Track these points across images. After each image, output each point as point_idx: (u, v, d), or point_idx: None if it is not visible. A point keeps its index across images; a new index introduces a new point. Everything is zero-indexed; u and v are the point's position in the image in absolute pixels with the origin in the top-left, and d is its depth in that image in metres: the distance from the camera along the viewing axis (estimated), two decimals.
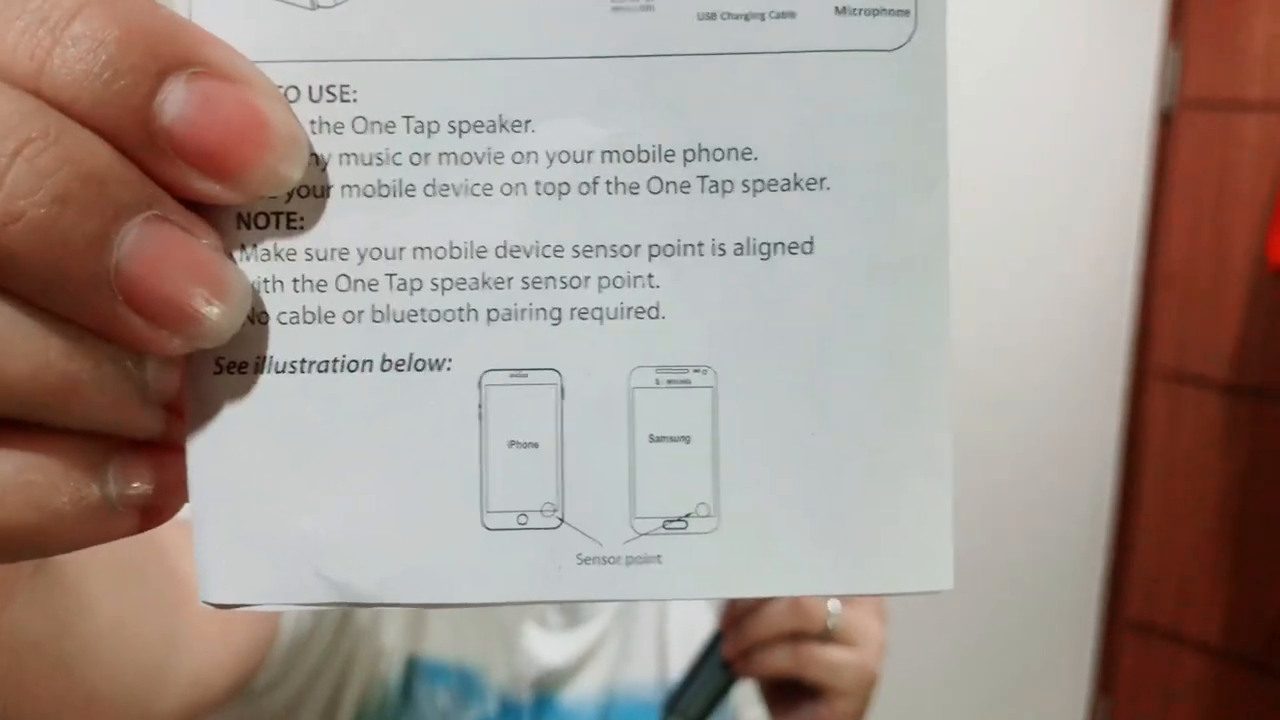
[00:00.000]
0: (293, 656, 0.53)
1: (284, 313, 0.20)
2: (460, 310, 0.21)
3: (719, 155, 0.21)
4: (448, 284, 0.21)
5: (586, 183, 0.21)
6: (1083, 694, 1.95)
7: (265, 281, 0.20)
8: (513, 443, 0.21)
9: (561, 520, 0.21)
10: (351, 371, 0.21)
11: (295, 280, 0.20)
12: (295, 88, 0.20)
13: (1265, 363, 1.73)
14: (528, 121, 0.21)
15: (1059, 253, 1.71)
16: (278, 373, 0.20)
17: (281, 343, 0.20)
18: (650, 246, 0.21)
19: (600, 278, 0.21)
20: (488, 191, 0.21)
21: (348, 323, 0.21)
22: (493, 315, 0.21)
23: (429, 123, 0.21)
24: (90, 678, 0.34)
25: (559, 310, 0.21)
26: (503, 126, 0.21)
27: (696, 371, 0.21)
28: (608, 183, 0.21)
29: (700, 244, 0.21)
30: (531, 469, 0.21)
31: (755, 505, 0.21)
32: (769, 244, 0.21)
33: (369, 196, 0.21)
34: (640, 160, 0.21)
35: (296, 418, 0.21)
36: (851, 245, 0.21)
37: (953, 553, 0.22)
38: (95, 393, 0.18)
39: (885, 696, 0.57)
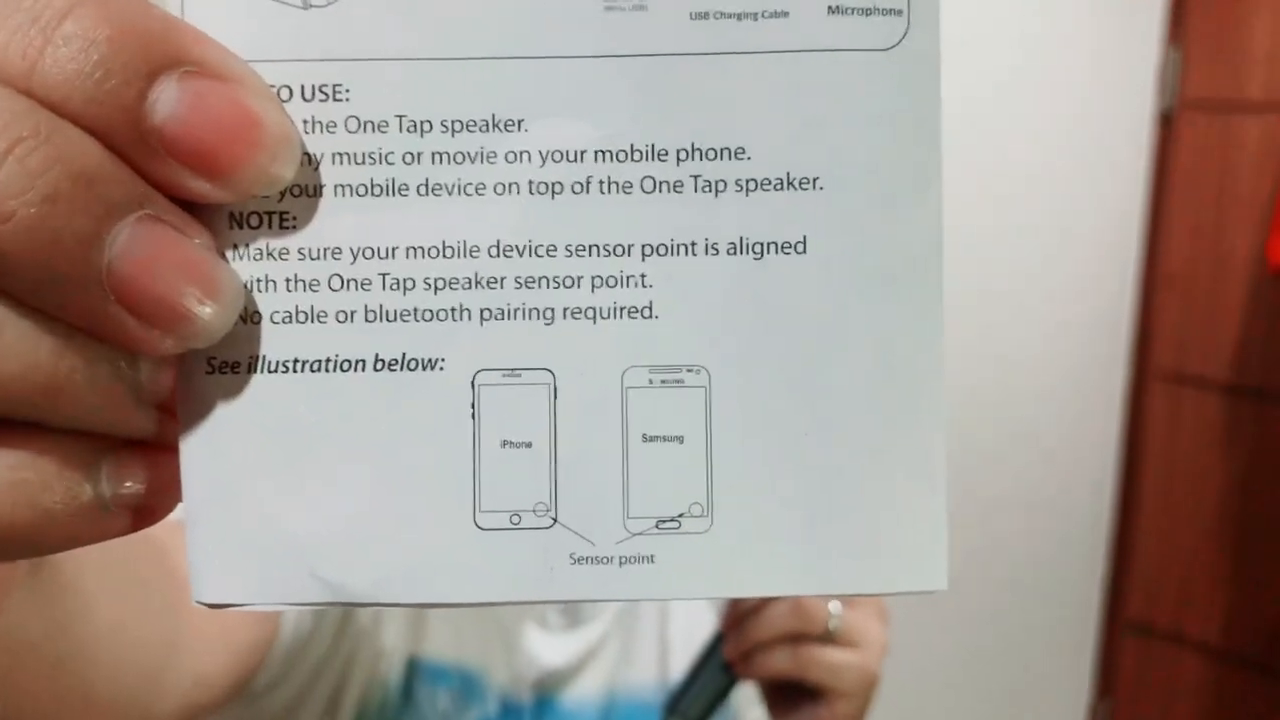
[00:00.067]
0: (293, 657, 0.53)
1: (277, 312, 0.20)
2: (453, 310, 0.21)
3: (712, 155, 0.21)
4: (441, 284, 0.21)
5: (579, 182, 0.21)
6: (1083, 695, 1.94)
7: (258, 281, 0.20)
8: (506, 442, 0.21)
9: (554, 520, 0.21)
10: (344, 371, 0.21)
11: (288, 280, 0.20)
12: (288, 87, 0.20)
13: (1266, 364, 1.73)
14: (520, 121, 0.21)
15: (1059, 253, 1.71)
16: (271, 372, 0.20)
17: (274, 342, 0.20)
18: (643, 246, 0.21)
19: (593, 277, 0.21)
20: (480, 191, 0.21)
21: (340, 322, 0.21)
22: (486, 315, 0.21)
23: (422, 122, 0.21)
24: (89, 678, 0.34)
25: (552, 310, 0.21)
26: (495, 126, 0.21)
27: (690, 371, 0.21)
28: (601, 182, 0.21)
29: (693, 244, 0.21)
30: (524, 469, 0.21)
31: (748, 505, 0.21)
32: (762, 244, 0.21)
33: (362, 196, 0.21)
34: (633, 160, 0.21)
35: (289, 417, 0.21)
36: (845, 245, 0.21)
37: (947, 552, 0.22)
38: (87, 392, 0.18)
39: (886, 698, 0.57)
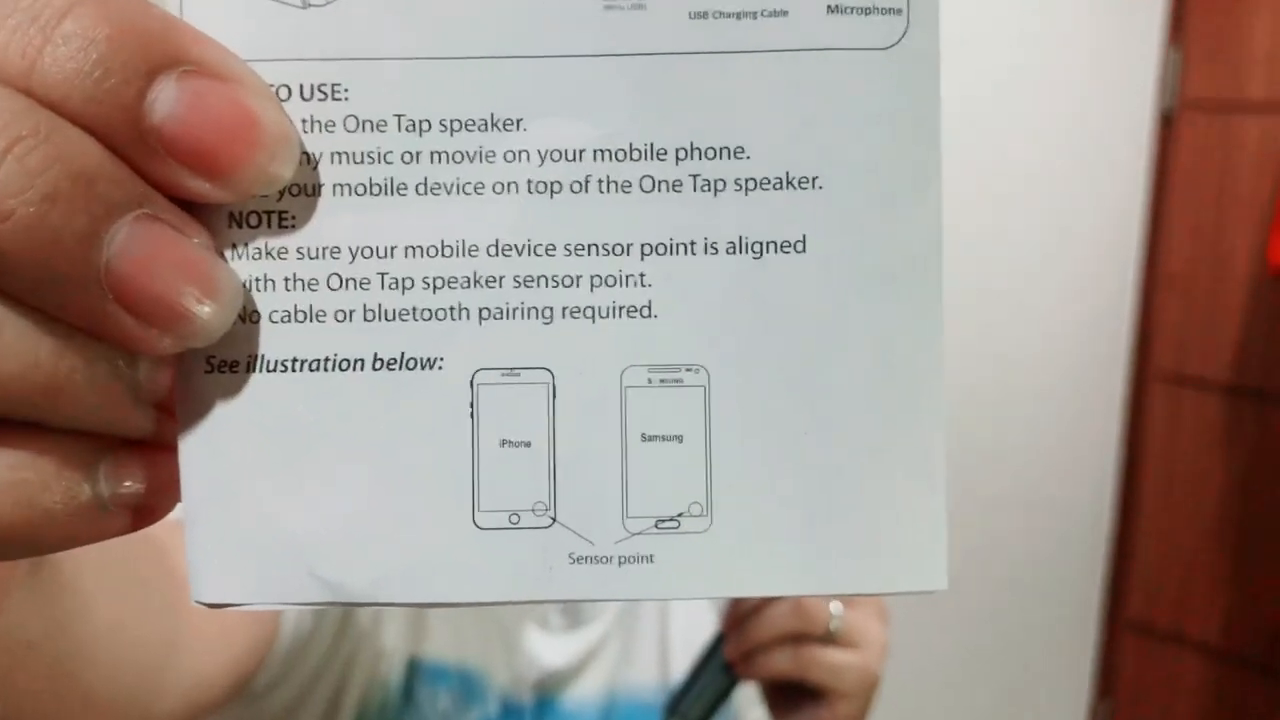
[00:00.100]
0: (293, 658, 0.53)
1: (275, 311, 0.20)
2: (452, 309, 0.21)
3: (711, 154, 0.21)
4: (439, 283, 0.21)
5: (578, 181, 0.21)
6: (1084, 696, 1.94)
7: (257, 280, 0.20)
8: (505, 442, 0.21)
9: (553, 520, 0.21)
10: (343, 370, 0.21)
11: (287, 279, 0.20)
12: (286, 86, 0.20)
13: (1266, 365, 1.73)
14: (519, 120, 0.21)
15: (1059, 253, 1.71)
16: (269, 372, 0.20)
17: (273, 342, 0.20)
18: (642, 245, 0.21)
19: (592, 276, 0.21)
20: (479, 190, 0.21)
21: (339, 322, 0.21)
22: (485, 314, 0.21)
23: (420, 121, 0.21)
24: (88, 678, 0.34)
25: (551, 309, 0.21)
26: (494, 125, 0.21)
27: (689, 371, 0.21)
28: (599, 181, 0.21)
29: (692, 243, 0.21)
30: (523, 468, 0.21)
31: (748, 505, 0.21)
32: (761, 243, 0.21)
33: (360, 195, 0.20)
34: (632, 159, 0.21)
35: (288, 417, 0.21)
36: (844, 244, 0.21)
37: (946, 552, 0.22)
38: (86, 392, 0.18)
39: (886, 698, 0.57)
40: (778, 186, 0.21)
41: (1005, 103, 1.57)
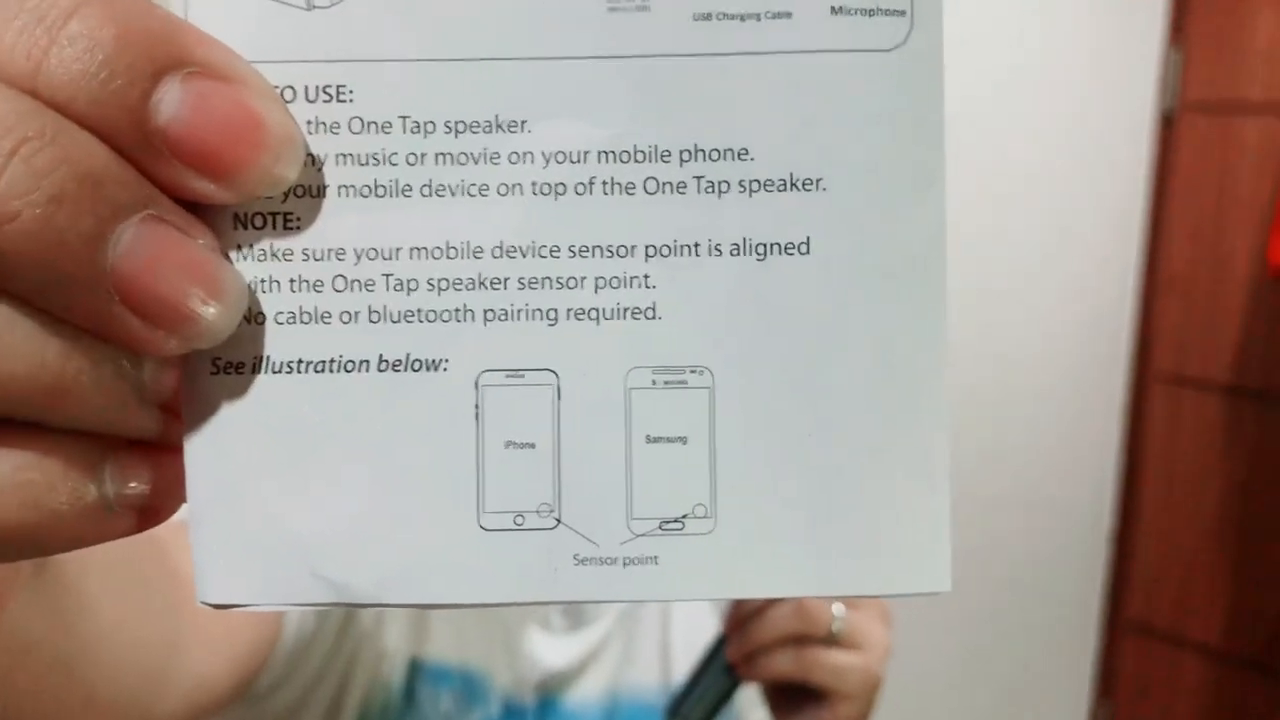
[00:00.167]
0: (295, 658, 0.53)
1: (281, 313, 0.20)
2: (457, 311, 0.21)
3: (715, 156, 0.21)
4: (444, 284, 0.21)
5: (583, 183, 0.21)
6: (1084, 697, 1.94)
7: (262, 282, 0.20)
8: (509, 443, 0.21)
9: (558, 521, 0.21)
10: (348, 372, 0.21)
11: (292, 280, 0.20)
12: (291, 88, 0.20)
13: (1266, 366, 1.73)
14: (524, 122, 0.21)
15: (1060, 255, 1.71)
16: (275, 373, 0.20)
17: (278, 343, 0.20)
18: (646, 247, 0.21)
19: (596, 278, 0.21)
20: (484, 192, 0.21)
21: (344, 323, 0.21)
22: (489, 316, 0.21)
23: (425, 123, 0.21)
24: (90, 678, 0.34)
25: (555, 311, 0.21)
26: (499, 127, 0.21)
27: (693, 372, 0.21)
28: (604, 183, 0.21)
29: (696, 245, 0.21)
30: (528, 469, 0.21)
31: (752, 506, 0.21)
32: (765, 245, 0.21)
33: (365, 197, 0.20)
34: (636, 161, 0.21)
35: (293, 418, 0.21)
36: (848, 246, 0.21)
37: (950, 554, 0.22)
38: (92, 392, 0.18)
39: (886, 698, 0.57)
40: (781, 188, 0.21)
41: (1005, 103, 1.57)
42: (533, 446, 0.21)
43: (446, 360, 0.21)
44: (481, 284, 0.21)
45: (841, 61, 0.21)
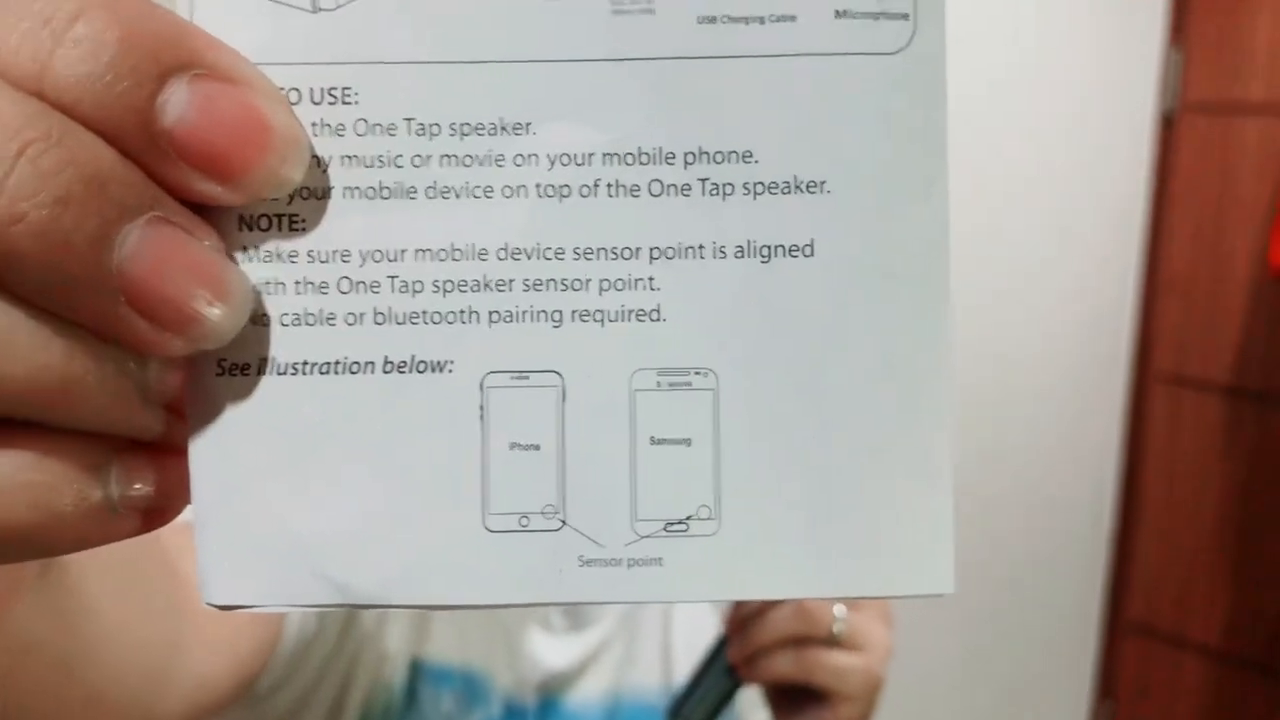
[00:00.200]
0: (296, 659, 0.53)
1: (286, 314, 0.20)
2: (462, 312, 0.21)
3: (719, 158, 0.21)
4: (449, 286, 0.21)
5: (587, 185, 0.21)
6: (1084, 697, 1.94)
7: (267, 283, 0.20)
8: (514, 445, 0.21)
9: (563, 522, 0.21)
10: (353, 373, 0.21)
11: (297, 282, 0.20)
12: (296, 90, 0.20)
13: (1266, 367, 1.73)
14: (528, 124, 0.21)
15: (1060, 254, 1.71)
16: (279, 374, 0.21)
17: (283, 344, 0.21)
18: (651, 249, 0.21)
19: (601, 280, 0.21)
20: (489, 194, 0.21)
21: (349, 324, 0.21)
22: (494, 317, 0.21)
23: (430, 125, 0.21)
24: (92, 679, 0.34)
25: (560, 313, 0.21)
26: (504, 129, 0.21)
27: (697, 374, 0.21)
28: (608, 185, 0.21)
29: (701, 247, 0.21)
30: (533, 471, 0.21)
31: (756, 507, 0.21)
32: (769, 247, 0.21)
33: (370, 198, 0.21)
34: (641, 163, 0.21)
35: (298, 419, 0.21)
36: (852, 248, 0.21)
37: (953, 555, 0.22)
38: (97, 393, 0.18)
39: (888, 700, 0.57)
40: (785, 191, 0.21)
41: (1005, 103, 1.57)
42: (537, 448, 0.21)
43: (451, 362, 0.21)
44: (486, 286, 0.21)
45: (845, 64, 0.21)
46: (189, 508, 0.21)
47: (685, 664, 0.63)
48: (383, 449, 0.21)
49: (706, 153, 0.21)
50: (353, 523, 0.21)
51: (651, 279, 0.21)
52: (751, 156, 0.21)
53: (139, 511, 0.19)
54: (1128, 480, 1.88)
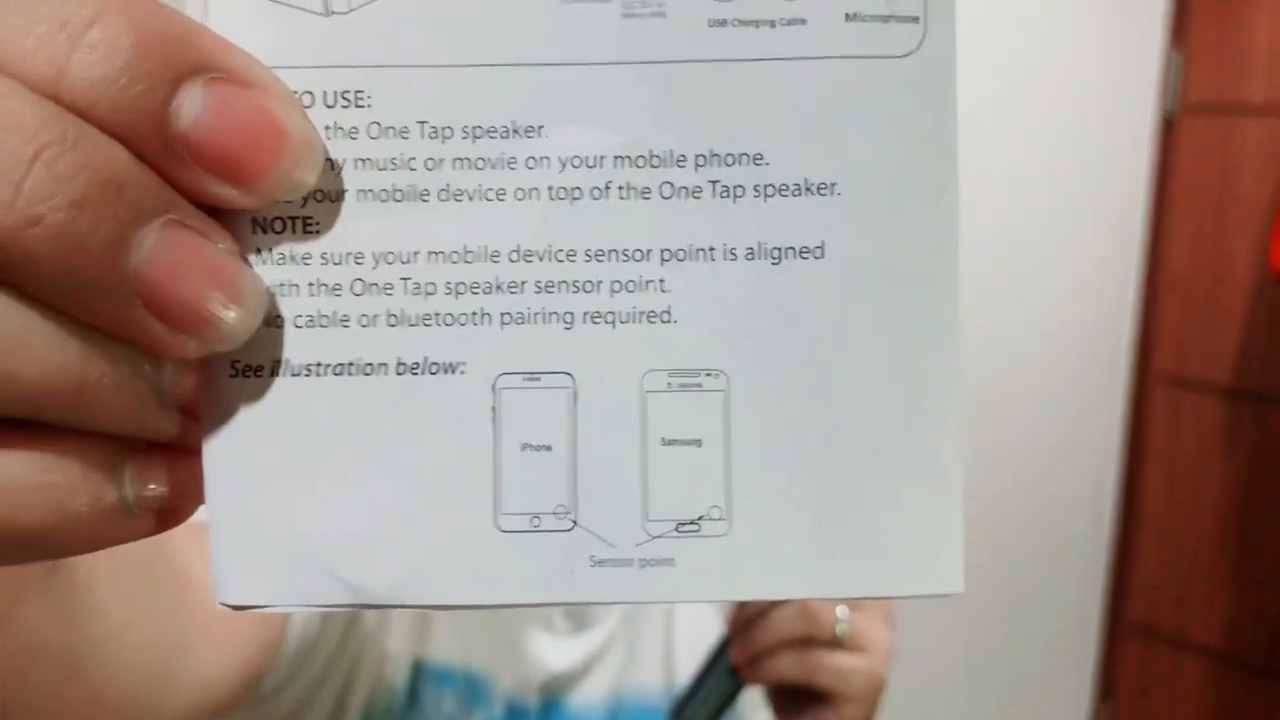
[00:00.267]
0: (299, 660, 0.53)
1: (299, 316, 0.21)
2: (474, 314, 0.21)
3: (730, 160, 0.21)
4: (461, 288, 0.21)
5: (599, 188, 0.21)
6: (1085, 698, 1.94)
7: (281, 285, 0.20)
8: (526, 445, 0.21)
9: (575, 523, 0.21)
10: (366, 375, 0.21)
11: (310, 284, 0.21)
12: (310, 93, 0.20)
13: (1267, 368, 1.73)
14: (540, 127, 0.21)
15: (1061, 256, 1.71)
16: (293, 376, 0.21)
17: (297, 346, 0.21)
18: (662, 251, 0.21)
19: (612, 282, 0.21)
20: (501, 196, 0.21)
21: (362, 326, 0.21)
22: (506, 319, 0.21)
23: (443, 128, 0.21)
24: (97, 679, 0.34)
25: (571, 314, 0.21)
26: (516, 132, 0.21)
27: (708, 375, 0.21)
28: (620, 188, 0.21)
29: (711, 248, 0.21)
30: (545, 472, 0.21)
31: (767, 508, 0.21)
32: (780, 249, 0.21)
33: (383, 201, 0.21)
34: (652, 165, 0.21)
35: (312, 420, 0.21)
36: (862, 250, 0.21)
37: (963, 555, 0.22)
38: (112, 395, 0.18)
39: (889, 700, 0.57)
40: (796, 193, 0.21)
41: (1006, 104, 1.57)
42: (549, 449, 0.21)
43: (464, 363, 0.21)
44: (499, 287, 0.21)
45: (855, 67, 0.21)
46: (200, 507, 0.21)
47: (688, 665, 0.63)
48: (395, 450, 0.21)
49: (717, 155, 0.21)
50: (365, 523, 0.21)
51: (662, 281, 0.21)
52: (762, 159, 0.21)
53: (153, 512, 0.20)
54: (1128, 481, 1.89)
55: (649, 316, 0.21)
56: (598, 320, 0.21)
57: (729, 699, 0.57)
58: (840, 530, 0.21)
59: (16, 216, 0.16)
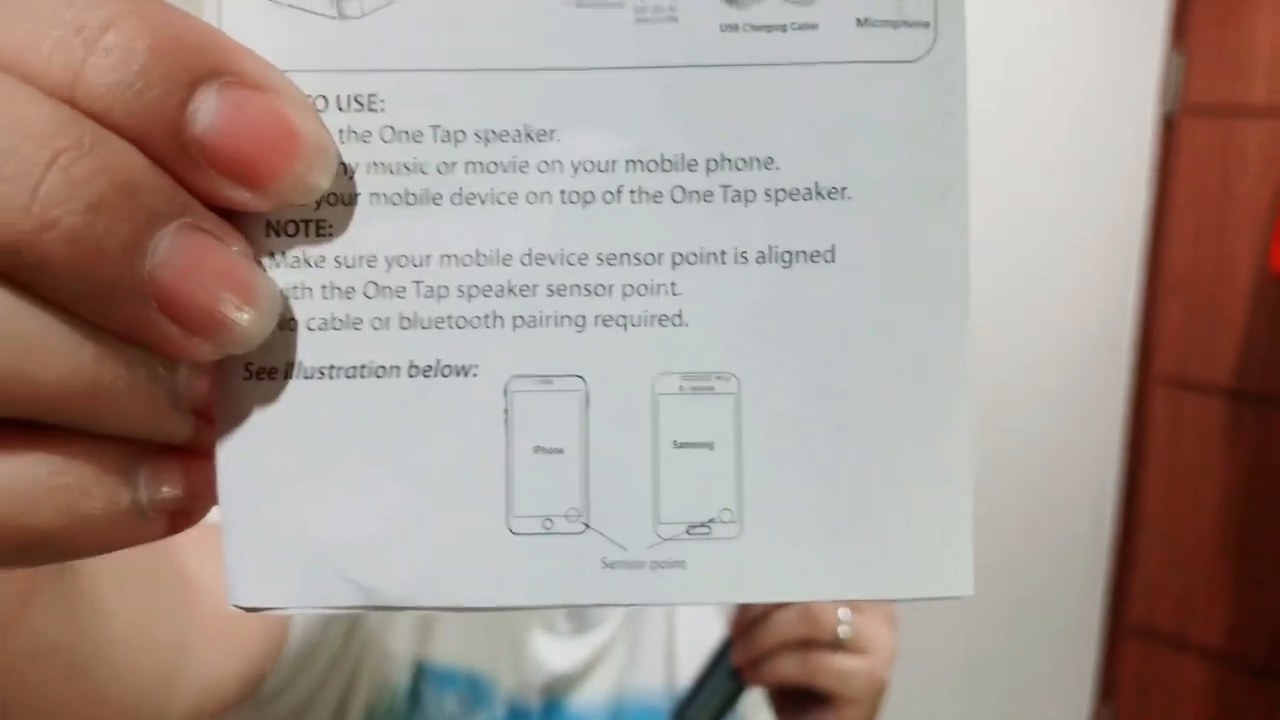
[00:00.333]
0: (301, 661, 0.53)
1: (313, 319, 0.21)
2: (486, 317, 0.21)
3: (741, 165, 0.21)
4: (474, 291, 0.21)
5: (610, 191, 0.21)
6: (1086, 699, 1.94)
7: (294, 288, 0.21)
8: (538, 448, 0.21)
9: (586, 525, 0.21)
10: (379, 377, 0.21)
11: (324, 287, 0.21)
12: (323, 97, 0.20)
13: (1267, 369, 1.73)
14: (553, 131, 0.21)
15: (1062, 257, 1.71)
16: (306, 379, 0.21)
17: (310, 349, 0.21)
18: (673, 255, 0.21)
19: (624, 285, 0.21)
20: (513, 200, 0.21)
21: (375, 329, 0.21)
22: (518, 322, 0.21)
23: (455, 132, 0.21)
24: (102, 680, 0.34)
25: (584, 317, 0.21)
26: (528, 136, 0.21)
27: (719, 378, 0.21)
28: (631, 192, 0.21)
29: (723, 252, 0.21)
30: (557, 474, 0.21)
31: (778, 511, 0.21)
32: (791, 253, 0.21)
33: (396, 205, 0.21)
34: (663, 169, 0.21)
35: (325, 423, 0.21)
36: (873, 254, 0.21)
37: (972, 557, 0.22)
38: (127, 398, 0.18)
39: (891, 702, 0.57)
40: (807, 197, 0.21)
41: (1006, 106, 1.57)
42: (561, 451, 0.21)
43: (476, 366, 0.21)
44: (511, 291, 0.21)
45: (866, 72, 0.21)
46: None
47: (689, 666, 0.63)
48: (407, 452, 0.21)
49: (728, 159, 0.21)
50: (378, 525, 0.21)
51: (674, 284, 0.21)
52: (773, 163, 0.21)
53: (166, 514, 0.20)
54: (1129, 482, 1.89)
55: (660, 319, 0.21)
56: (609, 323, 0.21)
57: (730, 701, 0.57)
58: (850, 533, 0.21)
59: (33, 220, 0.16)
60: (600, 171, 0.21)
